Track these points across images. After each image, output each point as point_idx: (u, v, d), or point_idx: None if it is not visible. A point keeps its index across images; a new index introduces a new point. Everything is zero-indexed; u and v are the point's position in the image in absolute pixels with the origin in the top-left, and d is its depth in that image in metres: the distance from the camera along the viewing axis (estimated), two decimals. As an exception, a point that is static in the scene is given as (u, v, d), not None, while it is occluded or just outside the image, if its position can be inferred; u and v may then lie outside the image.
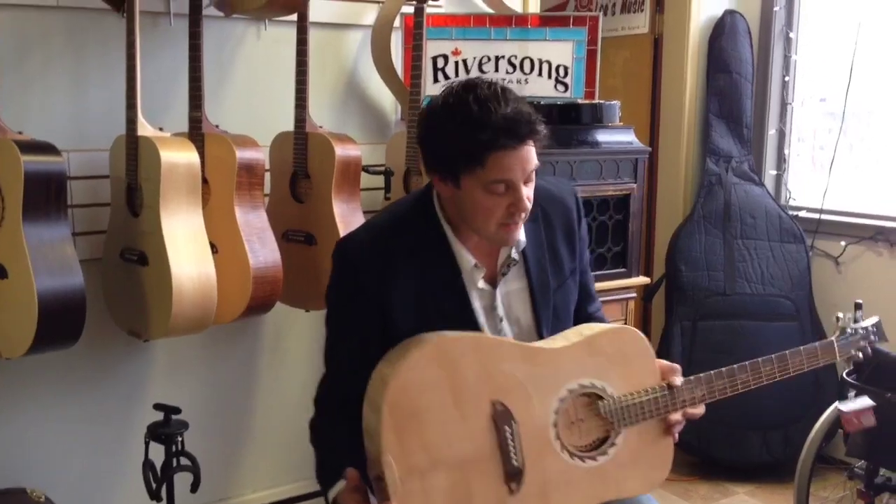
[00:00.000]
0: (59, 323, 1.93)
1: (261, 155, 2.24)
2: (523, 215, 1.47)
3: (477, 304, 1.55)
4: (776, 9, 3.32)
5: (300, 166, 2.33)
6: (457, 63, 2.65)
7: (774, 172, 3.43)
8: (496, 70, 2.65)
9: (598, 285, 2.55)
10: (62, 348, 2.00)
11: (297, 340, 2.64)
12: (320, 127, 2.36)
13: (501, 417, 1.42)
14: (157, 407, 2.13)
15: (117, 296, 2.20)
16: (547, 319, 1.59)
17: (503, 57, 2.65)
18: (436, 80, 2.62)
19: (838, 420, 2.43)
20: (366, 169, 2.41)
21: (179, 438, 2.12)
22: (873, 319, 1.91)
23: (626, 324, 2.76)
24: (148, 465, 2.12)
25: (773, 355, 1.71)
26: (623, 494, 1.51)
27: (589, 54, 2.66)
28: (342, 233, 2.19)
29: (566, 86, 2.67)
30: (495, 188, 1.42)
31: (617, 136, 2.62)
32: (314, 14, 2.33)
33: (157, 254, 2.04)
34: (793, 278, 3.15)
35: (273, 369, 2.64)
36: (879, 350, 2.34)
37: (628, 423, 1.51)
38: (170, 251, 2.02)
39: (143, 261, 2.07)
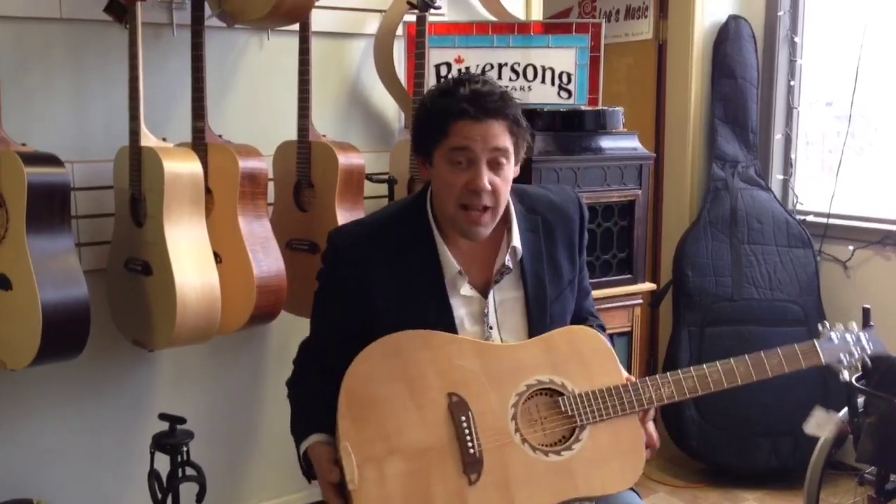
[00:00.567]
0: (64, 334, 1.94)
1: (264, 164, 2.24)
2: (488, 208, 1.48)
3: (462, 311, 1.55)
4: (780, 13, 3.31)
5: (303, 175, 2.33)
6: (460, 71, 2.65)
7: (781, 177, 3.41)
8: (499, 77, 2.65)
9: (604, 292, 2.56)
10: (67, 359, 2.00)
11: (303, 349, 2.64)
12: (323, 136, 2.36)
13: (457, 408, 1.43)
14: (163, 417, 2.14)
15: (122, 306, 2.20)
16: (542, 330, 1.57)
17: (506, 64, 2.65)
18: (439, 87, 2.61)
19: (847, 425, 2.41)
20: (369, 177, 2.41)
21: (185, 448, 2.12)
22: (869, 330, 1.87)
23: (632, 330, 2.74)
24: (153, 475, 2.12)
25: (747, 355, 1.67)
26: (592, 492, 1.48)
27: (592, 61, 2.65)
28: (346, 241, 2.19)
29: (569, 93, 2.67)
30: (456, 157, 1.45)
31: (621, 143, 2.61)
32: (316, 24, 2.33)
33: (161, 264, 2.04)
34: (801, 283, 3.13)
35: (278, 378, 2.62)
36: (889, 356, 2.32)
37: (591, 419, 1.49)
38: (173, 261, 2.02)
39: (147, 271, 2.08)
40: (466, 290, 1.55)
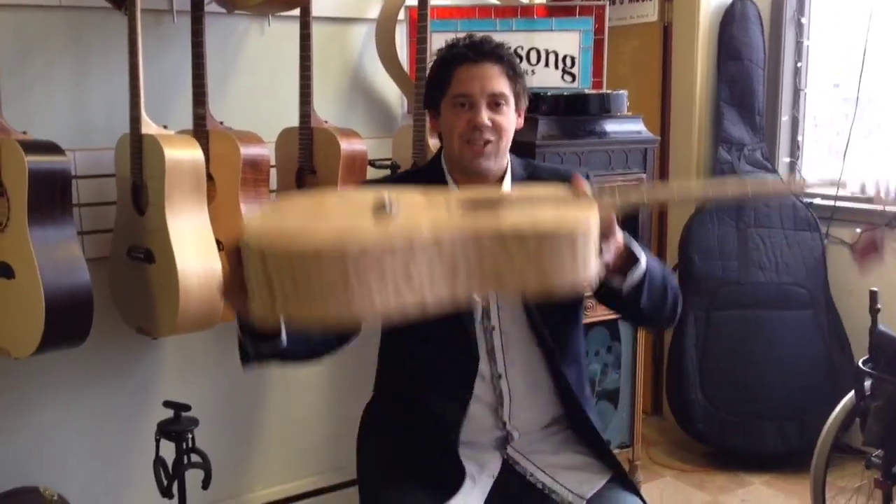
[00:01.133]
0: (67, 322, 1.94)
1: (266, 151, 2.23)
2: (489, 142, 1.55)
3: None
4: (787, -7, 3.28)
5: (305, 162, 2.32)
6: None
7: (788, 160, 3.38)
8: (502, 61, 2.63)
9: (608, 276, 2.55)
10: (70, 347, 2.01)
11: (307, 336, 2.64)
12: (325, 122, 2.35)
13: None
14: (167, 404, 2.14)
15: (125, 294, 2.20)
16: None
17: (509, 48, 2.62)
18: (441, 72, 2.60)
19: (854, 409, 2.40)
20: (372, 163, 2.40)
21: (190, 435, 2.12)
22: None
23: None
24: (159, 462, 2.13)
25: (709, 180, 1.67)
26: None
27: (596, 44, 2.63)
28: (348, 227, 2.18)
29: (573, 76, 2.65)
30: (458, 101, 1.57)
31: (625, 126, 2.59)
32: (317, 8, 2.32)
33: (164, 251, 2.04)
34: (807, 266, 3.11)
35: (283, 365, 2.64)
36: None
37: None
38: (176, 248, 2.02)
39: (149, 258, 2.07)
40: None
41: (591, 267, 1.20)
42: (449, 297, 1.13)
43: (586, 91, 2.62)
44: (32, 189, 1.88)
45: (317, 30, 2.31)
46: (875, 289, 2.36)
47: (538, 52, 2.64)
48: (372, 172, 2.40)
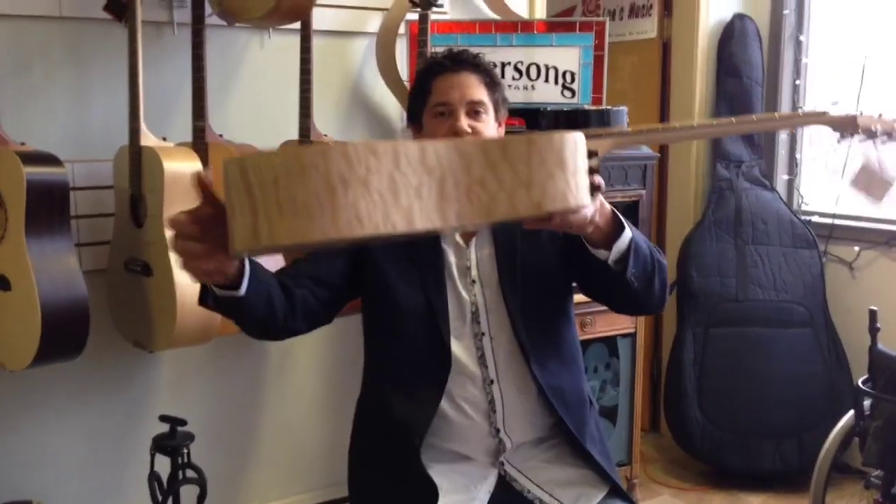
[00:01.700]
0: (63, 334, 1.93)
1: (265, 164, 2.22)
2: None
3: (451, 259, 1.61)
4: (786, 12, 3.28)
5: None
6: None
7: (786, 177, 3.38)
8: (503, 76, 2.62)
9: (608, 293, 2.54)
10: (66, 360, 1.99)
11: (305, 350, 2.62)
12: (325, 135, 2.35)
13: None
14: (163, 419, 2.12)
15: (122, 307, 2.18)
16: (512, 281, 1.59)
17: (509, 63, 2.63)
18: (441, 87, 2.59)
19: (853, 428, 2.39)
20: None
21: (185, 450, 2.11)
22: None
23: (636, 331, 2.72)
24: (154, 477, 2.11)
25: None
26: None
27: (596, 60, 2.63)
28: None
29: (573, 92, 2.65)
30: (440, 110, 1.59)
31: (625, 142, 2.59)
32: (318, 22, 2.31)
33: (161, 264, 2.02)
34: (806, 284, 3.11)
35: (280, 380, 2.62)
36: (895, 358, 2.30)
37: None
38: (174, 262, 2.00)
39: (147, 271, 2.06)
40: (458, 238, 1.62)
41: (583, 191, 1.15)
42: (440, 224, 1.06)
43: (587, 107, 2.62)
44: (30, 200, 1.87)
45: (317, 43, 2.31)
46: (874, 308, 2.36)
47: (538, 67, 2.64)
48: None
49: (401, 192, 1.03)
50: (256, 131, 2.37)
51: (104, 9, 2.08)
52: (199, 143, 2.16)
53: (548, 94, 2.64)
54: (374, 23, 2.59)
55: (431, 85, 1.61)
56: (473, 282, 1.60)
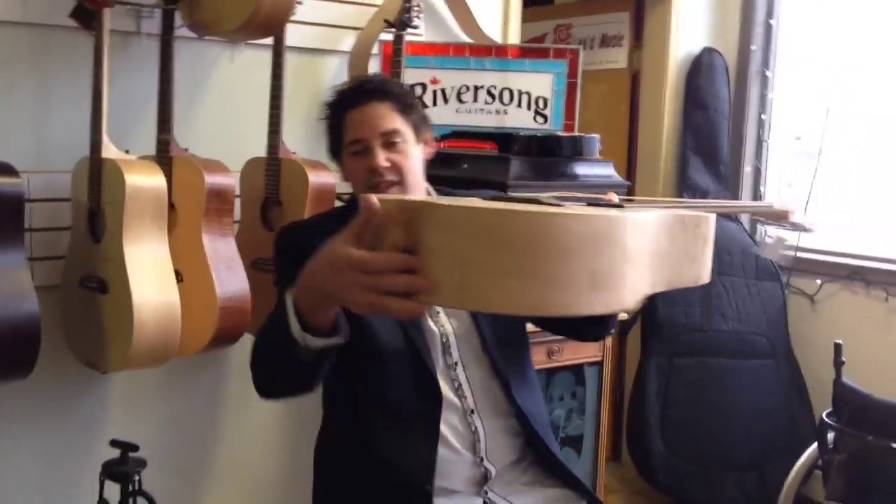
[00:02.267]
0: (12, 352, 1.84)
1: (231, 180, 2.16)
2: (393, 183, 1.54)
3: None
4: (753, 48, 3.34)
5: (272, 193, 2.26)
6: (435, 92, 2.61)
7: (750, 210, 3.42)
8: (475, 100, 2.61)
9: (576, 321, 2.51)
10: (15, 380, 1.90)
11: (264, 373, 2.55)
12: (294, 153, 2.30)
13: None
14: (114, 443, 2.03)
15: (75, 325, 2.09)
16: (485, 320, 1.56)
17: (482, 87, 2.61)
18: (413, 108, 2.57)
19: (816, 461, 2.39)
20: (339, 197, 2.34)
21: (137, 477, 2.02)
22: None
23: (602, 359, 2.70)
24: (102, 504, 2.02)
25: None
26: None
27: (569, 87, 2.63)
28: (314, 263, 2.12)
29: (545, 118, 2.64)
30: (354, 149, 1.57)
31: (596, 170, 2.59)
32: (291, 38, 2.27)
33: (119, 281, 1.95)
34: (769, 316, 3.13)
35: (238, 404, 2.54)
36: (860, 392, 2.31)
37: None
38: (131, 279, 1.93)
39: (103, 289, 1.98)
40: None
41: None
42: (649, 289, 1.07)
43: (559, 133, 2.61)
44: (-18, 211, 1.79)
45: (289, 60, 2.27)
46: (839, 341, 2.38)
47: (511, 92, 2.63)
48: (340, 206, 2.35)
49: (634, 258, 1.03)
50: (223, 147, 2.30)
51: (70, 16, 2.01)
52: (163, 156, 2.09)
53: (520, 119, 2.63)
54: (347, 41, 2.55)
55: (343, 121, 1.58)
56: (438, 312, 1.58)
